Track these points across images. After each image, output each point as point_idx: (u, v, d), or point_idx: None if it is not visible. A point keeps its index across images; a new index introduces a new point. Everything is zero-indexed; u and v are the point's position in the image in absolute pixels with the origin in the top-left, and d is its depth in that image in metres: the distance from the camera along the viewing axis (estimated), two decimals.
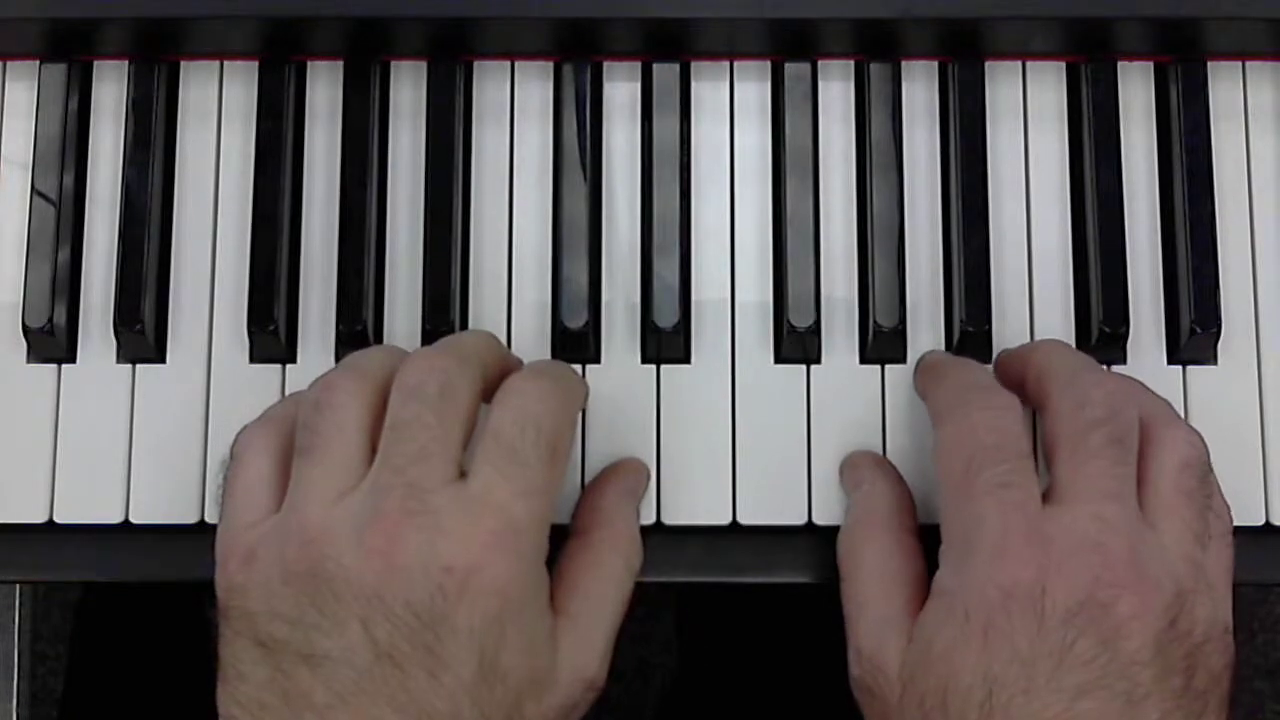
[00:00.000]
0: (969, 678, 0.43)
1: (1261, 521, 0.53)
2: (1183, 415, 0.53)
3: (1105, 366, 0.54)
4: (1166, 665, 0.43)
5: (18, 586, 1.07)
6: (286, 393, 0.54)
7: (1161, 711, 0.43)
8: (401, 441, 0.45)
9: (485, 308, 0.54)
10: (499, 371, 0.50)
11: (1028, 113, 0.56)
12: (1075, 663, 0.43)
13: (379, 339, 0.54)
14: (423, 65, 0.55)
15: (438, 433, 0.45)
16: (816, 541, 0.53)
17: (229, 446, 0.49)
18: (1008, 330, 0.54)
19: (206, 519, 0.53)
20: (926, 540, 0.50)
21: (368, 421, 0.46)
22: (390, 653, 0.43)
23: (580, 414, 0.52)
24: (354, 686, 0.43)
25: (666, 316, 0.53)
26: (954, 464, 0.46)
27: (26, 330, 0.53)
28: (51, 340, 0.53)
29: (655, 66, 0.55)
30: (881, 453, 0.53)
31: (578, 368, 0.54)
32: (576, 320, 0.53)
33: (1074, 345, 0.54)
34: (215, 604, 0.47)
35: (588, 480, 0.53)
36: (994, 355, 0.54)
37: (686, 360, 0.54)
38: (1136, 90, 0.56)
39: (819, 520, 0.53)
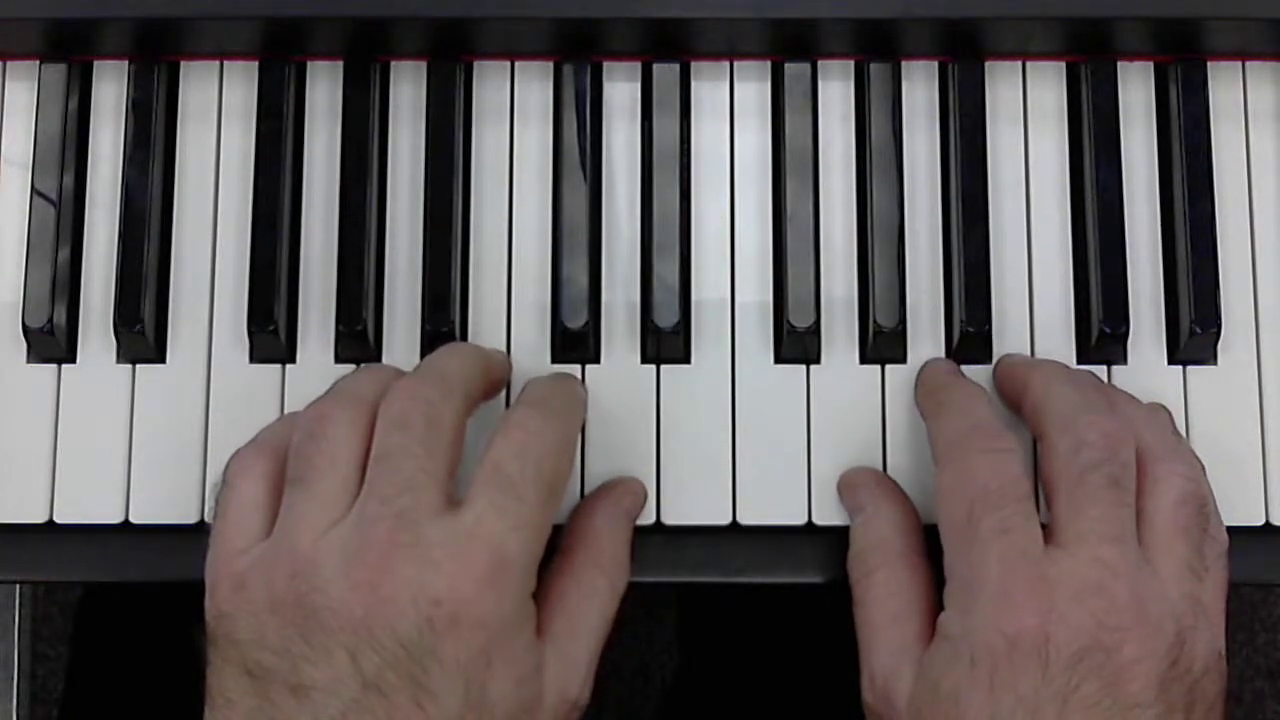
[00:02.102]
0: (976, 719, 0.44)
1: (1261, 521, 0.53)
2: (1183, 416, 0.53)
3: (1105, 367, 0.54)
4: (1168, 704, 0.44)
5: (18, 586, 1.07)
6: (286, 393, 0.54)
7: None
8: (389, 472, 0.45)
9: (485, 308, 0.54)
10: (485, 388, 0.50)
11: (1028, 113, 0.56)
12: (1079, 706, 0.43)
13: (379, 339, 0.54)
14: (423, 65, 0.55)
15: (424, 462, 0.45)
16: (816, 541, 0.53)
17: (222, 471, 0.49)
18: (1008, 330, 0.54)
19: (206, 519, 0.53)
20: (930, 541, 0.50)
21: (360, 452, 0.46)
22: (378, 683, 0.43)
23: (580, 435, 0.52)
24: (340, 717, 0.43)
25: (666, 316, 0.53)
26: (956, 509, 0.47)
27: (26, 330, 0.53)
28: (51, 340, 0.53)
29: (655, 66, 0.55)
30: (881, 452, 0.53)
31: (577, 368, 0.54)
32: (576, 320, 0.53)
33: (1074, 344, 0.54)
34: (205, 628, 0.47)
35: (587, 485, 0.53)
36: (994, 356, 0.54)
37: (686, 360, 0.54)
38: (1136, 90, 0.56)
39: (819, 520, 0.53)
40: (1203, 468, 0.49)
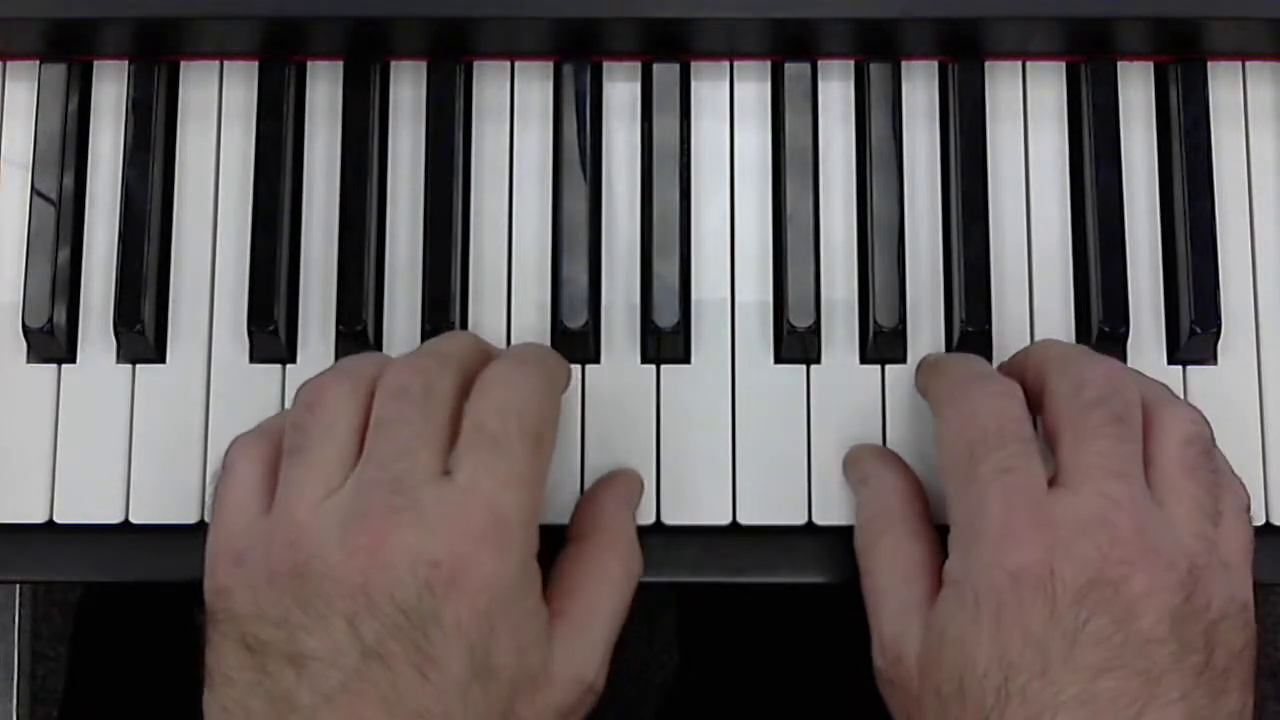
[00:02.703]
0: (983, 664, 0.43)
1: (1261, 521, 0.53)
2: None
3: None
4: (1183, 642, 0.43)
5: (18, 586, 1.07)
6: (286, 393, 0.54)
7: (1182, 690, 0.42)
8: (385, 439, 0.45)
9: (485, 308, 0.54)
10: (482, 368, 0.50)
11: (1028, 112, 0.56)
12: (1089, 642, 0.42)
13: (379, 339, 0.54)
14: (423, 65, 0.55)
15: (421, 428, 0.45)
16: (816, 541, 0.53)
17: (221, 458, 0.49)
18: (1008, 330, 0.54)
19: (206, 519, 0.53)
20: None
21: (357, 423, 0.46)
22: (378, 651, 0.42)
23: (566, 399, 0.52)
24: (341, 687, 0.42)
25: (666, 316, 0.53)
26: (956, 451, 0.46)
27: (26, 330, 0.53)
28: (51, 340, 0.53)
29: (655, 66, 0.55)
30: None
31: (577, 368, 0.54)
32: (576, 320, 0.53)
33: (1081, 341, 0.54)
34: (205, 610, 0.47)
35: (587, 482, 0.53)
36: (994, 356, 0.54)
37: (686, 360, 0.54)
38: (1136, 90, 0.56)
39: (819, 520, 0.53)
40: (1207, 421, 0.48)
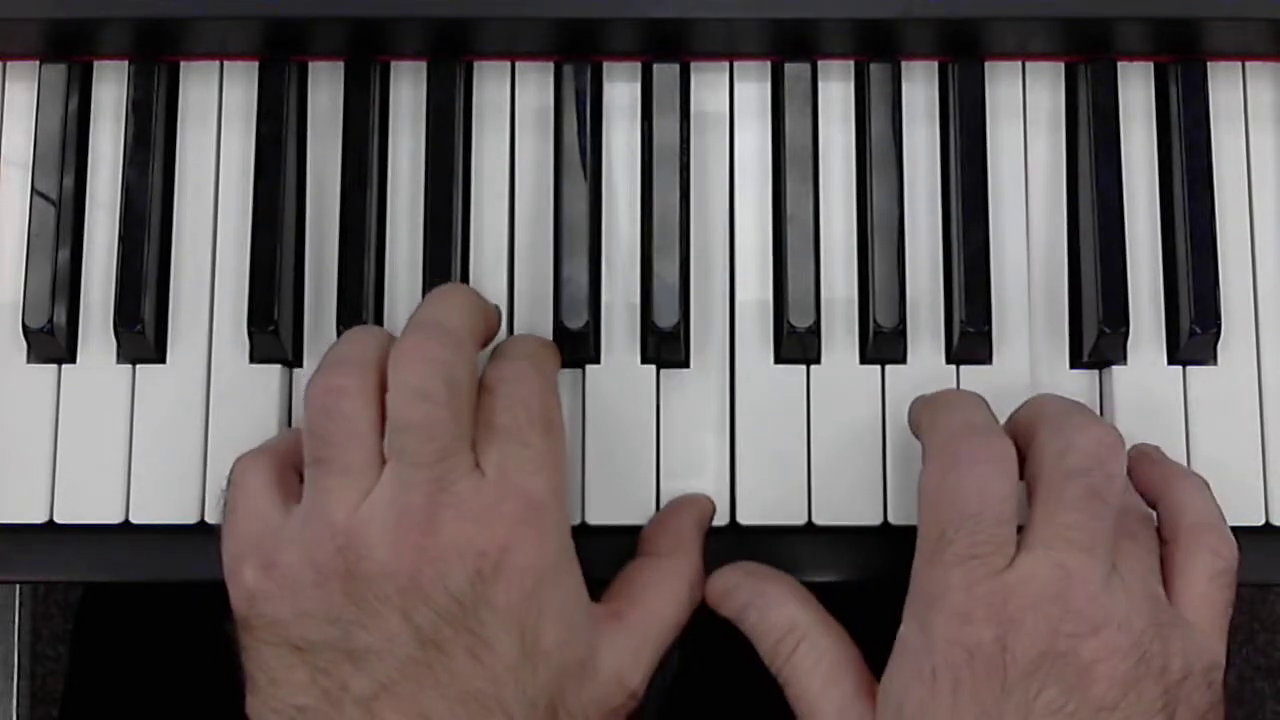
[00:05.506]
0: None
1: (1261, 521, 0.53)
2: (1182, 416, 0.53)
3: (1106, 367, 0.54)
4: (1141, 705, 0.43)
5: (18, 586, 1.07)
6: (287, 394, 0.54)
7: None
8: (418, 440, 0.45)
9: None
10: (485, 331, 0.50)
11: (1027, 113, 0.56)
12: (1043, 713, 0.43)
13: None
14: (423, 65, 0.55)
15: (453, 428, 0.45)
16: (816, 541, 0.53)
17: (221, 461, 0.49)
18: (1007, 331, 0.54)
19: (206, 519, 0.53)
20: (903, 541, 0.49)
21: (376, 418, 0.46)
22: (434, 638, 0.44)
23: (567, 400, 0.53)
24: (398, 674, 0.44)
25: (666, 317, 0.53)
26: (931, 522, 0.46)
27: (26, 330, 0.53)
28: (51, 340, 0.53)
29: (655, 66, 0.55)
30: (881, 452, 0.53)
31: (578, 369, 0.54)
32: (576, 320, 0.53)
33: (1074, 346, 0.54)
34: (217, 606, 0.47)
35: (588, 482, 0.53)
36: (992, 352, 0.54)
37: (686, 361, 0.54)
38: (1136, 90, 0.56)
39: (819, 520, 0.53)
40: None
